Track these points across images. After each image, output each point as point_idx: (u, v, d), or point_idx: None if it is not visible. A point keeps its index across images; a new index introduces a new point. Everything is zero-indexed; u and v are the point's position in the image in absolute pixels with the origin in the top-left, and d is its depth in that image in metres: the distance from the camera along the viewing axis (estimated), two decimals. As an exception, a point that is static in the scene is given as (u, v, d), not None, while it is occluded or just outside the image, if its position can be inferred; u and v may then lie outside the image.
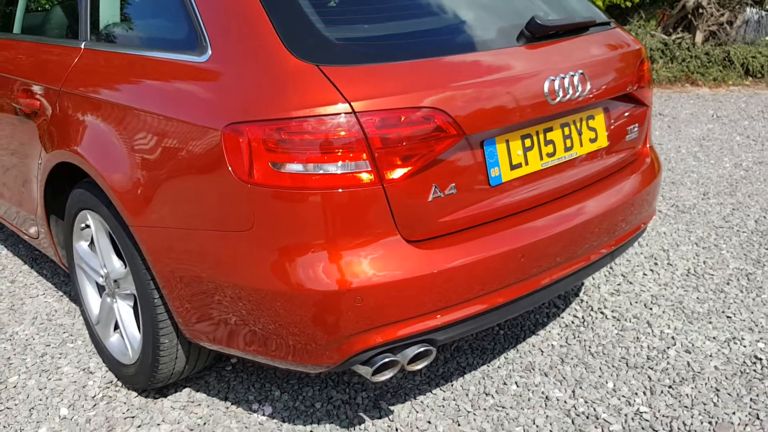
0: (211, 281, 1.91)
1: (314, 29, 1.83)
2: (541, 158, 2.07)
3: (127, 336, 2.37)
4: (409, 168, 1.76)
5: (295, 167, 1.71)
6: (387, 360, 1.84)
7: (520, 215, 2.02)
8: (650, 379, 2.51)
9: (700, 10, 8.53)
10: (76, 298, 3.06)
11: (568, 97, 2.05)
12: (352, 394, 2.42)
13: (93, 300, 2.59)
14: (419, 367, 1.92)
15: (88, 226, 2.47)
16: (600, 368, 2.56)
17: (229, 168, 1.77)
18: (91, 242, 2.52)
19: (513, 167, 1.99)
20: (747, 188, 4.49)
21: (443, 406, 2.36)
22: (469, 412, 2.34)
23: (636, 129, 2.45)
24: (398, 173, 1.75)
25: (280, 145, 1.71)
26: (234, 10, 1.89)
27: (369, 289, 1.74)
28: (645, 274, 3.29)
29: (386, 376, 1.88)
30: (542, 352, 2.67)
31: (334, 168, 1.71)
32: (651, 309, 2.97)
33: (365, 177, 1.72)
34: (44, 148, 2.44)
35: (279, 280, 1.77)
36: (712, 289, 3.13)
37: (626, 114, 2.39)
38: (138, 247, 2.12)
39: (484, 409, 2.35)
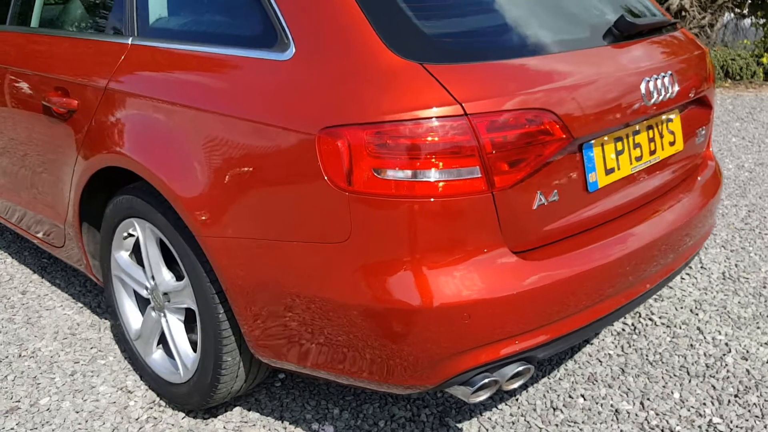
0: (293, 296, 1.76)
1: (412, 24, 1.70)
2: (631, 162, 1.98)
3: (178, 353, 2.20)
4: (519, 174, 1.64)
5: (401, 174, 1.58)
6: (487, 380, 1.72)
7: (614, 222, 1.93)
8: (714, 388, 2.45)
9: (683, 13, 8.62)
10: (99, 309, 2.86)
11: (660, 98, 1.97)
12: (415, 411, 2.29)
13: (132, 313, 2.41)
14: (515, 385, 1.81)
15: (131, 235, 2.29)
16: (662, 378, 2.49)
17: (324, 175, 1.63)
18: (132, 252, 2.35)
19: (607, 172, 1.90)
20: (756, 189, 4.50)
21: (513, 423, 2.25)
22: (540, 428, 2.23)
23: (703, 132, 2.38)
24: (508, 180, 1.63)
25: (384, 150, 1.58)
26: (320, 4, 1.74)
27: (477, 305, 1.62)
28: (683, 278, 3.23)
29: (483, 396, 1.76)
30: (600, 362, 2.58)
31: (443, 174, 1.58)
32: (697, 314, 2.92)
33: (476, 184, 1.60)
34: (82, 151, 2.25)
35: (379, 296, 1.63)
36: (751, 293, 3.10)
37: (696, 116, 2.32)
38: (201, 258, 1.96)
39: (556, 425, 2.25)
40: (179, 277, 2.20)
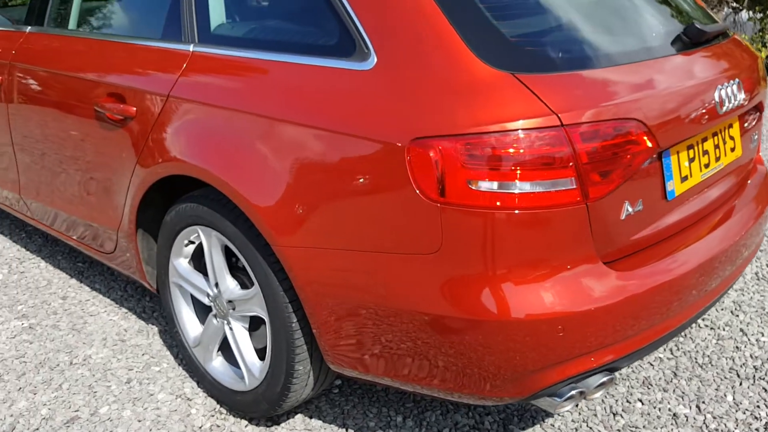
0: (375, 306, 1.76)
1: (500, 34, 1.70)
2: (701, 169, 2.00)
3: (243, 361, 2.18)
4: (611, 184, 1.65)
5: (496, 185, 1.58)
6: (574, 392, 1.73)
7: (687, 231, 1.94)
8: (765, 390, 2.47)
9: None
10: (144, 315, 2.84)
11: (731, 105, 1.98)
12: (478, 419, 2.30)
13: (190, 321, 2.40)
14: (598, 395, 1.82)
15: (192, 242, 2.27)
16: (714, 380, 2.51)
17: (414, 185, 1.62)
18: (191, 259, 2.33)
19: (682, 179, 1.91)
20: (775, 189, 4.54)
21: (576, 429, 2.26)
22: (604, 433, 2.25)
23: (756, 137, 2.40)
24: (601, 190, 1.64)
25: (479, 162, 1.58)
26: (402, 12, 1.73)
27: (571, 317, 1.62)
28: (719, 280, 3.26)
29: (567, 407, 1.77)
30: (652, 366, 2.60)
31: (539, 186, 1.58)
32: (738, 316, 2.94)
33: (571, 195, 1.60)
34: (141, 159, 2.23)
35: (470, 307, 1.63)
36: (787, 294, 3.14)
37: (750, 121, 2.33)
38: (275, 267, 1.95)
39: (618, 430, 2.26)
40: (243, 285, 2.19)
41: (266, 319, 2.05)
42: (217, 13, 2.17)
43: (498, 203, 1.58)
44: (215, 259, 2.17)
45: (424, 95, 1.65)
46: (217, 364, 2.33)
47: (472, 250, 1.61)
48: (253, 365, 2.17)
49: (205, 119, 2.03)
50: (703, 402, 2.41)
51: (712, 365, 2.61)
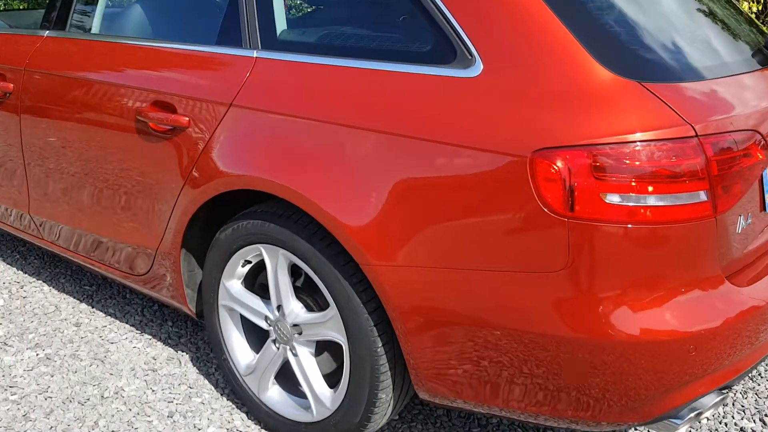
0: (483, 329, 1.65)
1: (617, 39, 1.62)
2: (786, 181, 1.97)
3: (311, 390, 2.03)
4: (735, 197, 1.59)
5: (628, 198, 1.49)
6: (693, 413, 1.65)
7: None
8: (821, 401, 2.47)
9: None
10: (170, 340, 2.64)
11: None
12: None
13: (240, 347, 2.22)
14: (708, 413, 1.75)
15: (249, 262, 2.11)
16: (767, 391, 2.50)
17: (538, 199, 1.53)
18: (245, 280, 2.17)
19: (776, 191, 1.88)
20: None
21: (652, 447, 2.20)
22: (678, 451, 2.19)
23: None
24: (727, 203, 1.58)
25: (612, 173, 1.49)
26: (507, 15, 1.64)
27: (703, 335, 1.55)
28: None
29: (684, 428, 1.69)
30: (707, 379, 2.56)
31: (672, 199, 1.50)
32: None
33: (703, 208, 1.53)
34: (195, 172, 2.06)
35: (598, 328, 1.54)
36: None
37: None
38: (356, 288, 1.81)
39: (692, 446, 2.21)
40: (308, 308, 2.04)
41: (344, 345, 1.91)
42: (282, 18, 2.03)
43: (631, 217, 1.50)
44: (281, 280, 2.01)
45: (545, 103, 1.56)
46: (273, 394, 2.16)
47: (603, 267, 1.52)
48: (322, 394, 2.02)
49: (281, 130, 1.88)
50: (766, 415, 2.38)
51: (761, 377, 2.59)
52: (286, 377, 2.18)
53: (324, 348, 2.10)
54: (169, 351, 2.60)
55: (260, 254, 2.05)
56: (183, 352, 2.60)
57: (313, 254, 1.87)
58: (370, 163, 1.73)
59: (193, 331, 2.72)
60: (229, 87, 2.01)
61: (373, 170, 1.73)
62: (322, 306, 2.05)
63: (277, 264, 2.00)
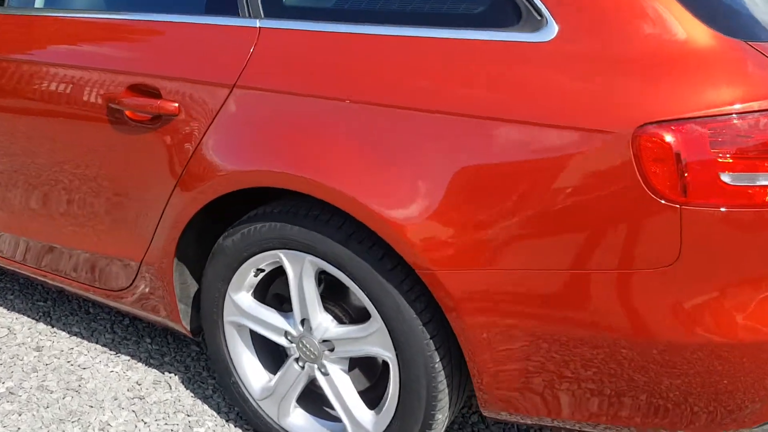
0: (569, 335, 1.42)
1: None
2: None
3: (348, 413, 1.75)
4: None
5: (747, 179, 1.28)
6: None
7: None
8: None
9: None
10: (152, 360, 2.30)
11: None
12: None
13: (253, 368, 1.92)
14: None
15: (261, 270, 1.80)
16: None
17: (644, 183, 1.29)
18: (255, 291, 1.86)
19: None
20: None
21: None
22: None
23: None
24: None
25: (728, 150, 1.27)
26: None
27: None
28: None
29: None
30: None
31: (799, 178, 1.30)
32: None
33: None
34: (191, 168, 1.72)
35: (716, 328, 1.33)
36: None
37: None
38: (407, 297, 1.55)
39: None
40: (339, 320, 1.76)
41: (392, 362, 1.64)
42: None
43: (752, 200, 1.29)
44: (307, 290, 1.71)
45: (642, 70, 1.32)
46: (297, 419, 1.87)
47: (722, 258, 1.31)
48: (362, 418, 1.75)
49: (305, 115, 1.57)
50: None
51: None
52: (307, 397, 1.90)
53: (353, 363, 1.82)
54: (154, 373, 2.26)
55: (277, 261, 1.75)
56: (170, 373, 2.26)
57: (351, 260, 1.59)
58: (424, 150, 1.45)
59: (177, 348, 2.38)
60: (229, 64, 1.68)
61: (429, 158, 1.45)
62: (354, 317, 1.77)
63: (301, 272, 1.70)
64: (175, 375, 2.25)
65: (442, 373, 1.60)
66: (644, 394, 1.42)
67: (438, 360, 1.59)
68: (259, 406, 1.91)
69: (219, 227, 1.88)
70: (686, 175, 1.28)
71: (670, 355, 1.37)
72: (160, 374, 2.25)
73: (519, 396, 1.53)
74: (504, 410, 1.57)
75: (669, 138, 1.28)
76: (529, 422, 1.60)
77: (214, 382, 2.22)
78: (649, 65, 1.32)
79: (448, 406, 1.66)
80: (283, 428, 1.88)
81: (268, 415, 1.90)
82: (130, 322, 2.52)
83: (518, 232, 1.41)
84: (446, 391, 1.63)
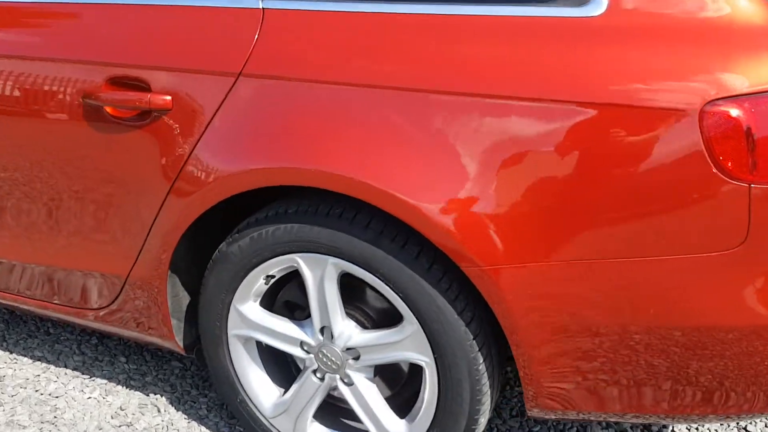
0: (636, 328, 1.34)
1: None
2: None
3: (377, 424, 1.62)
4: None
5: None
6: None
7: None
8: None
9: None
10: (132, 382, 2.09)
11: None
12: None
13: (262, 384, 1.76)
14: None
15: (272, 276, 1.64)
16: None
17: (712, 162, 1.23)
18: (262, 300, 1.70)
19: None
20: None
21: None
22: None
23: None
24: None
25: None
26: None
27: None
28: None
29: None
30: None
31: None
32: None
33: None
34: (188, 169, 1.54)
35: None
36: None
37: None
38: (447, 296, 1.43)
39: None
40: (362, 325, 1.63)
41: (429, 367, 1.52)
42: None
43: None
44: (329, 296, 1.57)
45: (707, 45, 1.25)
46: (316, 435, 1.74)
47: (789, 238, 1.27)
48: (393, 428, 1.62)
49: (328, 104, 1.42)
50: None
51: None
52: (322, 410, 1.76)
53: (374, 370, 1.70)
54: (137, 396, 2.05)
55: (291, 267, 1.60)
56: (156, 394, 2.06)
57: (383, 260, 1.46)
58: (466, 135, 1.34)
59: (157, 366, 2.18)
60: (232, 50, 1.51)
61: (472, 144, 1.34)
62: (378, 322, 1.64)
63: (323, 276, 1.55)
64: (162, 396, 2.05)
65: (486, 374, 1.50)
66: (710, 380, 1.37)
67: (482, 361, 1.49)
68: (272, 425, 1.76)
69: (212, 232, 1.72)
70: (756, 152, 1.23)
71: (738, 339, 1.32)
72: (145, 396, 2.05)
73: (573, 392, 1.45)
74: (555, 408, 1.49)
75: (738, 113, 1.21)
76: (580, 418, 1.52)
77: (207, 400, 2.04)
78: (713, 39, 1.25)
79: (489, 409, 1.56)
80: (300, 445, 1.75)
81: (281, 433, 1.76)
82: (98, 341, 2.30)
83: (577, 220, 1.32)
84: (489, 393, 1.53)
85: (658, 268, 1.31)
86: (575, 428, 1.93)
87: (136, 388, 2.09)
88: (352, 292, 1.64)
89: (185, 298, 1.82)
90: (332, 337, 1.61)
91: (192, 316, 1.84)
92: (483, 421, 1.56)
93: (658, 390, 1.40)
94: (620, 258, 1.32)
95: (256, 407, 1.77)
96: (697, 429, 1.95)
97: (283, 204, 1.57)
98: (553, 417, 1.54)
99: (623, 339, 1.37)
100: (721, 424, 1.96)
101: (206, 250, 1.77)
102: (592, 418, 1.53)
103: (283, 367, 1.82)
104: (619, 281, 1.33)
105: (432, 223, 1.37)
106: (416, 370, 1.70)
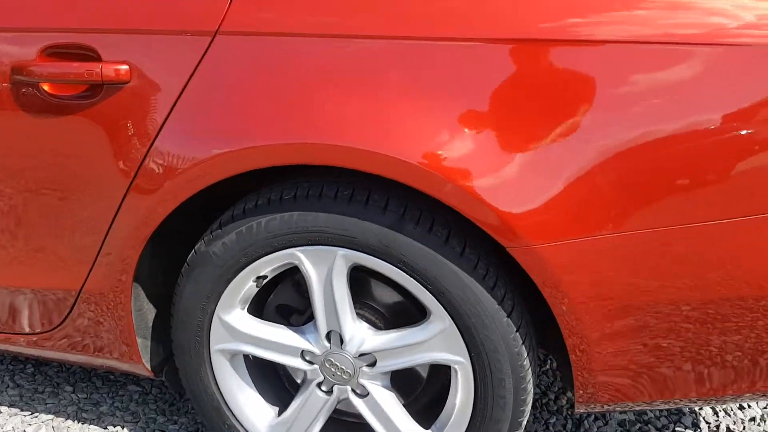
0: (699, 297, 1.17)
1: None
2: None
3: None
4: None
5: None
6: None
7: None
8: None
9: None
10: (85, 413, 1.78)
11: None
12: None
13: (253, 404, 1.49)
14: None
15: (263, 277, 1.37)
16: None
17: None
18: (250, 306, 1.43)
19: None
20: None
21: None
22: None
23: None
24: None
25: None
26: None
27: None
28: None
29: None
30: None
31: None
32: None
33: None
34: (155, 156, 1.26)
35: None
36: None
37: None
38: (485, 284, 1.22)
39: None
40: (374, 325, 1.39)
41: (462, 367, 1.30)
42: None
43: None
44: (337, 294, 1.32)
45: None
46: (322, 456, 1.49)
47: None
48: (418, 440, 1.40)
49: (338, 63, 1.17)
50: None
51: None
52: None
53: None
54: (93, 431, 1.74)
55: (288, 264, 1.34)
56: (115, 426, 1.73)
57: (408, 247, 1.23)
58: (497, 90, 1.13)
59: (111, 392, 1.85)
60: (204, 4, 1.23)
61: (502, 99, 1.13)
62: (390, 321, 1.41)
63: (330, 272, 1.30)
64: (123, 428, 1.74)
65: (530, 371, 1.30)
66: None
67: (526, 356, 1.28)
68: (269, 450, 1.51)
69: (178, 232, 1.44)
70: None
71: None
72: (102, 430, 1.74)
73: (631, 380, 1.27)
74: (608, 401, 1.30)
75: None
76: (636, 408, 1.35)
77: (177, 428, 1.75)
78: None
79: (530, 408, 1.37)
80: (303, 470, 1.50)
81: (281, 458, 1.50)
82: (35, 369, 1.95)
83: (635, 185, 1.13)
84: (531, 391, 1.33)
85: (728, 231, 1.14)
86: (570, 422, 1.77)
87: (90, 421, 1.77)
88: (357, 288, 1.41)
89: (150, 312, 1.53)
90: (341, 342, 1.37)
91: (159, 333, 1.55)
92: (524, 423, 1.36)
93: (732, 367, 1.24)
94: (682, 224, 1.13)
95: (245, 430, 1.51)
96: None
97: (276, 189, 1.31)
98: (601, 410, 1.36)
99: (689, 312, 1.20)
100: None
101: (174, 252, 1.49)
102: (644, 408, 1.37)
103: (274, 383, 1.56)
104: (683, 249, 1.15)
105: (468, 197, 1.15)
106: (436, 372, 1.48)
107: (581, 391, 1.30)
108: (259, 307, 1.48)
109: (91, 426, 1.75)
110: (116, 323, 1.47)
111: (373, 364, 1.38)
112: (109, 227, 1.36)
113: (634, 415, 1.82)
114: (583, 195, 1.14)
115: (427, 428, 1.42)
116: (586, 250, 1.16)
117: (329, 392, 1.43)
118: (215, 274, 1.37)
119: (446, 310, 1.27)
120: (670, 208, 1.14)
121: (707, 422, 1.82)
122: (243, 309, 1.43)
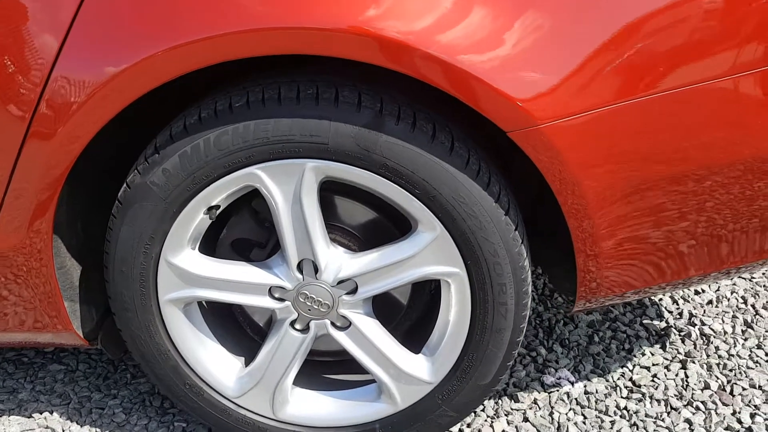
0: (715, 161, 1.08)
1: None
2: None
3: (384, 370, 1.24)
4: None
5: None
6: None
7: None
8: None
9: None
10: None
11: None
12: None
13: (215, 358, 1.29)
14: None
15: (215, 208, 1.17)
16: None
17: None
18: (201, 245, 1.22)
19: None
20: None
21: None
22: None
23: None
24: None
25: None
26: None
27: None
28: None
29: None
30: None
31: None
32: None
33: None
34: (62, 69, 1.01)
35: None
36: None
37: None
38: (481, 182, 1.08)
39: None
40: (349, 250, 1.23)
41: (456, 279, 1.16)
42: None
43: None
44: (308, 215, 1.14)
45: None
46: (303, 403, 1.31)
47: None
48: (410, 367, 1.24)
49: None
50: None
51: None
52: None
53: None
54: (18, 423, 1.46)
55: (246, 187, 1.14)
56: (42, 413, 1.48)
57: (389, 148, 1.06)
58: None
59: (28, 375, 1.58)
60: None
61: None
62: (364, 242, 1.25)
63: (300, 190, 1.12)
64: (54, 413, 1.48)
65: (529, 272, 1.19)
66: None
67: (525, 256, 1.17)
68: (240, 406, 1.32)
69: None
70: None
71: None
72: (28, 420, 1.47)
73: (639, 264, 1.18)
74: (612, 292, 1.21)
75: None
76: (635, 298, 1.28)
77: (119, 402, 1.51)
78: None
79: (528, 316, 1.26)
80: (284, 422, 1.32)
81: (257, 413, 1.31)
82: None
83: (640, 47, 1.02)
84: (531, 295, 1.23)
85: (746, 85, 1.06)
86: (541, 331, 1.71)
87: (12, 412, 1.50)
88: (322, 209, 1.23)
89: (75, 269, 1.28)
90: (316, 271, 1.20)
91: (89, 293, 1.31)
92: (524, 328, 1.26)
93: (742, 236, 1.18)
94: (695, 83, 1.04)
95: (214, 389, 1.30)
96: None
97: (222, 97, 1.10)
98: (595, 306, 1.28)
99: (702, 180, 1.12)
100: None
101: (95, 193, 1.25)
102: (641, 296, 1.30)
103: (234, 332, 1.37)
104: (698, 110, 1.06)
105: (462, 77, 1.00)
106: (418, 294, 1.35)
107: (584, 285, 1.20)
108: (209, 247, 1.28)
109: (13, 417, 1.49)
110: (33, 287, 1.22)
111: (353, 291, 1.22)
112: (14, 166, 1.11)
113: (601, 314, 1.78)
114: (588, 67, 1.02)
115: (416, 353, 1.29)
116: (593, 124, 1.04)
117: (305, 330, 1.26)
118: (157, 209, 1.15)
119: (437, 217, 1.13)
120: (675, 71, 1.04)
121: (669, 311, 1.82)
122: (194, 249, 1.22)
